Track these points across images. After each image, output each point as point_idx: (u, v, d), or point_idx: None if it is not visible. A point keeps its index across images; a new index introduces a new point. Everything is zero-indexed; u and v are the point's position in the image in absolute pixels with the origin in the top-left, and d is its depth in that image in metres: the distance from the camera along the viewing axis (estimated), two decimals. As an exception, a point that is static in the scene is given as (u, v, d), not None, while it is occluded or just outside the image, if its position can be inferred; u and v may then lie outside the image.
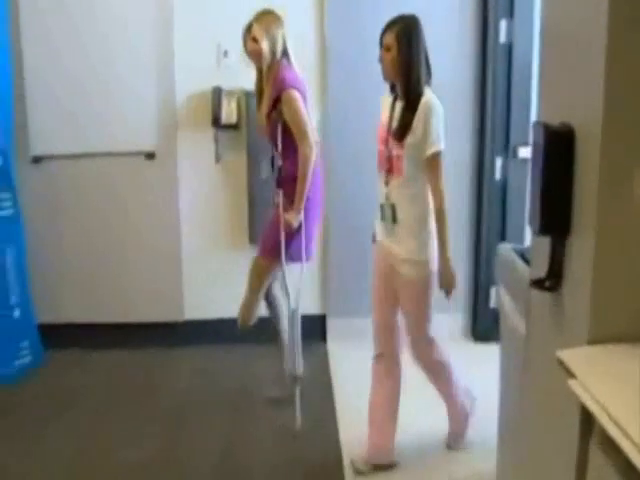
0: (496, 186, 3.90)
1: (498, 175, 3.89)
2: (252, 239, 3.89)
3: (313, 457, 2.84)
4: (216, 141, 3.89)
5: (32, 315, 3.85)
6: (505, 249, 2.11)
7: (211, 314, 4.00)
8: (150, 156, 3.89)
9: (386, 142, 2.57)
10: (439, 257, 2.59)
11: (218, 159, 3.91)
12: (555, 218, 1.40)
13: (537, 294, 1.54)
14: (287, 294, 3.18)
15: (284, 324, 3.33)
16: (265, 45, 3.03)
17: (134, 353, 3.94)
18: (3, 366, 3.66)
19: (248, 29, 3.09)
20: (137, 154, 3.90)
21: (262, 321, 3.34)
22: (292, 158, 3.06)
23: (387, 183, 2.57)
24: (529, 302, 1.71)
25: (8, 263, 3.69)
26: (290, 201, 3.09)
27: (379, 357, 2.75)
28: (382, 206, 2.62)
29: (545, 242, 1.47)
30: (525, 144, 3.69)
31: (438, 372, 2.80)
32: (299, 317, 3.19)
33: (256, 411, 3.31)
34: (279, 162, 3.12)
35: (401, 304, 2.68)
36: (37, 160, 3.96)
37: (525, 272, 1.76)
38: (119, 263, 4.05)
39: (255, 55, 3.08)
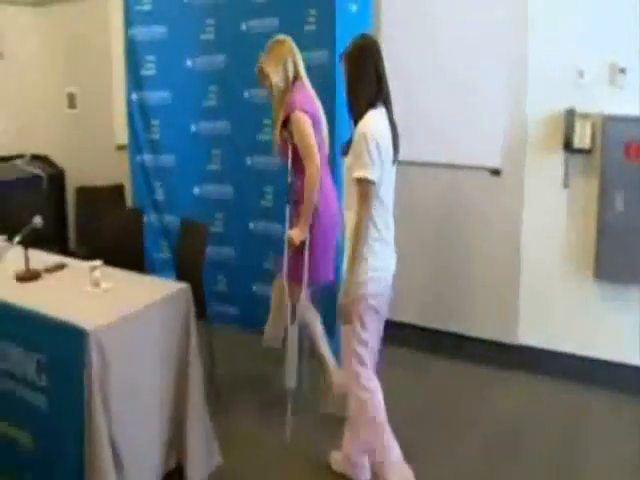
0: None
1: None
2: (599, 274, 3.70)
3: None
4: (566, 165, 3.77)
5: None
6: None
7: (545, 343, 3.92)
8: (495, 172, 3.85)
9: None
10: None
11: (566, 184, 3.76)
12: None
13: None
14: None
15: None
16: (275, 77, 3.27)
17: (462, 364, 4.06)
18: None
19: (258, 71, 3.32)
20: (482, 169, 3.91)
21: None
22: (301, 177, 3.21)
23: None
24: None
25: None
26: (299, 218, 3.23)
27: None
28: None
29: None
30: None
31: (357, 412, 2.75)
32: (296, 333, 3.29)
33: (590, 455, 3.11)
34: (289, 180, 3.27)
35: None
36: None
37: None
38: (457, 272, 4.18)
39: (270, 87, 3.31)
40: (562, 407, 3.57)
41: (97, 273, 2.97)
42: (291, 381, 3.28)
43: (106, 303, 2.78)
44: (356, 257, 2.57)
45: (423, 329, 4.31)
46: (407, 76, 4.13)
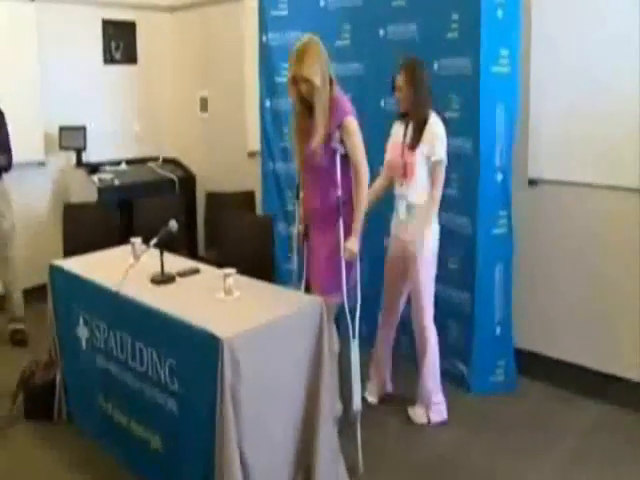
0: None
1: None
2: None
3: None
4: None
5: (511, 336, 3.88)
6: None
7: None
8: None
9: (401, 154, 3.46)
10: None
11: None
12: None
13: None
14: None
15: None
16: (318, 80, 2.96)
17: (607, 405, 3.68)
18: (478, 379, 3.79)
19: (293, 77, 2.99)
20: (632, 191, 3.59)
21: None
22: (347, 185, 3.11)
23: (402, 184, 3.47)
24: None
25: (497, 280, 3.77)
26: (347, 228, 3.08)
27: None
28: None
29: None
30: None
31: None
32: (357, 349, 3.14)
33: None
34: (338, 192, 3.09)
35: None
36: (532, 183, 4.02)
37: None
38: (603, 305, 3.80)
39: (310, 94, 2.99)
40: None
41: (230, 281, 2.93)
42: (358, 402, 3.10)
43: (239, 312, 2.75)
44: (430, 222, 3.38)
45: (566, 364, 3.96)
46: (556, 89, 3.89)
